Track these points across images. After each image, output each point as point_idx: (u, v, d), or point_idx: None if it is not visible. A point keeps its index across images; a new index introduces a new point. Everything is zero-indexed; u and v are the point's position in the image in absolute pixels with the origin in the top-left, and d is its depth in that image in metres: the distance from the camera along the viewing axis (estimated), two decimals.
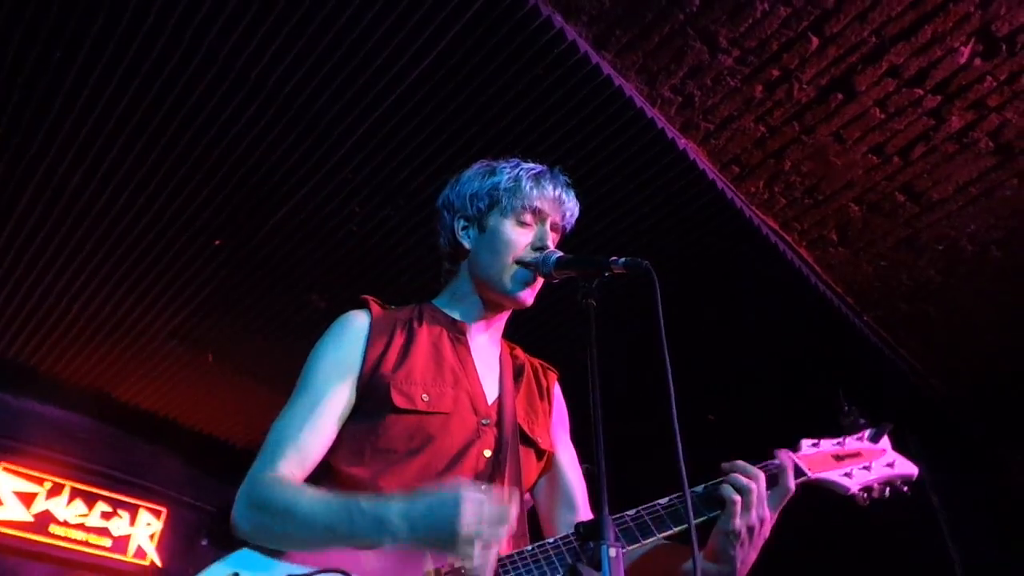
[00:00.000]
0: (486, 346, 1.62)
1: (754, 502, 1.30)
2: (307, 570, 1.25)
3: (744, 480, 1.32)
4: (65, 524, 4.65)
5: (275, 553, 1.29)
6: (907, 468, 1.46)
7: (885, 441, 1.51)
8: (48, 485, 4.67)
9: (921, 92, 2.98)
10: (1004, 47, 2.82)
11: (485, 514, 1.15)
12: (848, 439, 1.48)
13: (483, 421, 1.46)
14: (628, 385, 3.48)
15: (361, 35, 2.68)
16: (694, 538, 1.12)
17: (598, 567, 1.07)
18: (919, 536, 4.01)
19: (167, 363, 4.52)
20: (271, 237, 3.58)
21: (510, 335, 1.75)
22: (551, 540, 1.31)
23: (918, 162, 3.27)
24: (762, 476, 1.34)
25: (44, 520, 4.57)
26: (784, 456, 1.41)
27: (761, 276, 3.68)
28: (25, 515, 4.52)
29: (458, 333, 1.59)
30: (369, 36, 2.69)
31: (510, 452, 1.45)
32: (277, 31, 2.67)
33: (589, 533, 1.24)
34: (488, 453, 1.42)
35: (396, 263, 3.70)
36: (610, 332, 3.58)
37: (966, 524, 4.06)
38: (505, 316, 1.68)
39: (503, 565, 1.27)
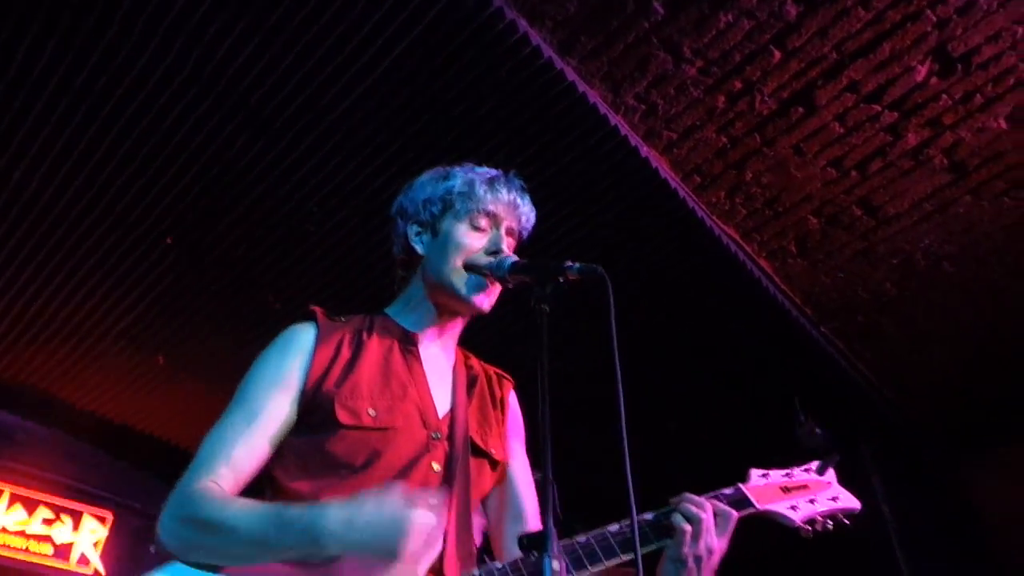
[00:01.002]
0: (439, 356, 1.58)
1: (703, 531, 1.31)
2: None
3: (694, 510, 1.32)
4: (3, 531, 4.47)
5: (206, 568, 1.22)
6: (850, 503, 1.50)
7: (831, 474, 1.55)
8: None
9: (879, 108, 3.03)
10: (960, 67, 2.88)
11: (431, 533, 1.12)
12: (796, 471, 1.51)
13: (433, 435, 1.42)
14: (585, 393, 3.46)
15: (319, 33, 2.63)
16: (640, 566, 1.10)
17: None
18: (869, 547, 4.06)
19: (116, 364, 4.38)
20: (225, 236, 3.49)
21: (468, 342, 1.71)
22: (498, 566, 1.27)
23: (875, 176, 3.32)
24: (709, 506, 1.35)
25: None
26: (732, 490, 1.45)
27: (721, 286, 3.70)
28: None
29: (409, 344, 1.54)
30: (328, 34, 2.63)
31: (460, 465, 1.42)
32: (232, 27, 2.60)
33: (533, 544, 1.21)
34: (437, 467, 1.39)
35: (353, 265, 3.63)
36: (568, 340, 3.56)
37: (916, 535, 4.13)
38: (459, 324, 1.63)
39: None
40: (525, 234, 1.67)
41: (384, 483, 1.28)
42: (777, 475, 1.49)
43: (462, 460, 1.43)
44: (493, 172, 1.63)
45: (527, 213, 1.63)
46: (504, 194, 1.58)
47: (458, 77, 2.79)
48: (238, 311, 3.95)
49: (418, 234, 1.60)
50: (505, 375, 1.72)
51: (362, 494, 1.16)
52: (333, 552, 1.13)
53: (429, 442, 1.41)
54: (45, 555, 4.56)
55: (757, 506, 1.42)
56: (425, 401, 1.47)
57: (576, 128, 2.98)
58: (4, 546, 4.42)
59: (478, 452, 1.49)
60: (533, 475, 2.50)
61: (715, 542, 1.32)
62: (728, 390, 4.38)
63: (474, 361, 1.68)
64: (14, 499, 4.57)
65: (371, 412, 1.38)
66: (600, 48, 2.83)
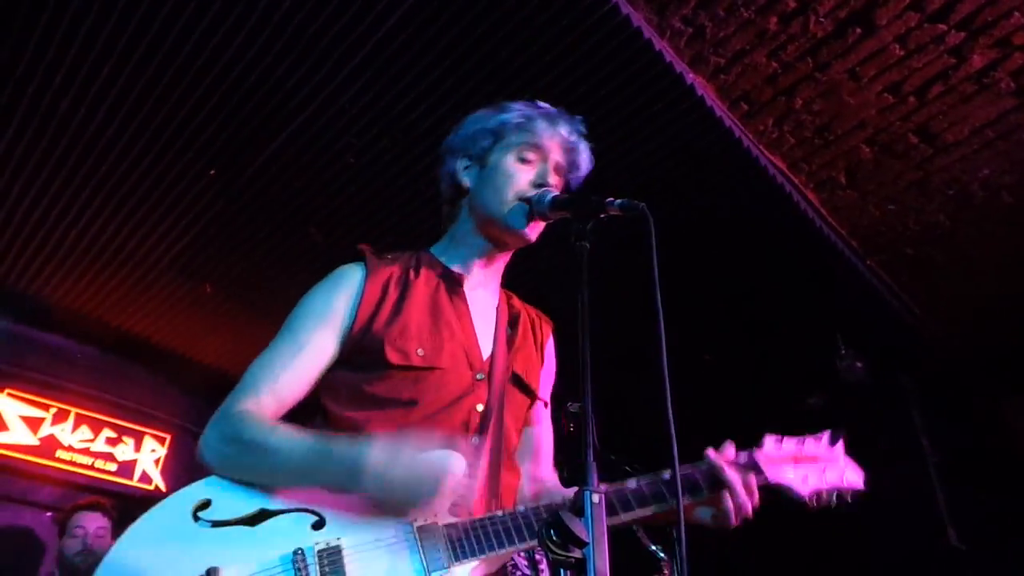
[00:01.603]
0: (484, 296, 1.60)
1: (750, 490, 1.40)
2: (282, 505, 1.26)
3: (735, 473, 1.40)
4: (71, 449, 4.75)
5: (247, 484, 1.29)
6: (856, 479, 1.52)
7: (840, 448, 1.55)
8: (53, 411, 4.75)
9: (944, 28, 2.84)
10: None
11: (460, 489, 1.22)
12: (808, 440, 1.52)
13: (478, 375, 1.46)
14: (625, 328, 3.47)
15: None
16: (681, 510, 1.14)
17: (580, 512, 1.06)
18: (908, 479, 4.07)
19: (166, 293, 4.52)
20: (267, 167, 3.51)
21: (509, 280, 1.72)
22: (521, 509, 1.32)
23: (935, 102, 3.15)
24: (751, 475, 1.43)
25: (50, 445, 4.66)
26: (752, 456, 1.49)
27: (765, 217, 3.61)
28: (32, 439, 4.61)
29: (455, 284, 1.56)
30: None
31: (500, 406, 1.46)
32: None
33: (573, 478, 1.25)
34: (480, 407, 1.43)
35: (394, 196, 3.63)
36: (609, 274, 3.55)
37: (956, 468, 4.12)
38: (504, 259, 1.64)
39: (476, 528, 1.28)
40: (578, 177, 1.65)
41: (431, 421, 1.36)
42: (790, 444, 1.50)
43: (502, 401, 1.47)
44: (551, 109, 1.60)
45: (581, 154, 1.61)
46: (557, 129, 1.56)
47: (498, 2, 2.69)
48: (281, 242, 4.01)
49: (467, 168, 1.59)
50: (545, 317, 1.74)
51: (404, 438, 1.22)
52: (369, 489, 1.21)
53: (474, 383, 1.45)
54: (110, 472, 4.86)
55: (768, 476, 1.46)
56: (471, 342, 1.50)
57: (620, 53, 2.87)
58: (72, 463, 4.71)
59: (521, 386, 1.53)
60: (571, 408, 2.55)
61: (754, 500, 1.41)
62: (769, 322, 4.34)
63: (516, 301, 1.69)
64: (80, 420, 4.84)
65: (420, 352, 1.41)
66: None
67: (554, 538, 1.02)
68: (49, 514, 4.52)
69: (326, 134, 3.31)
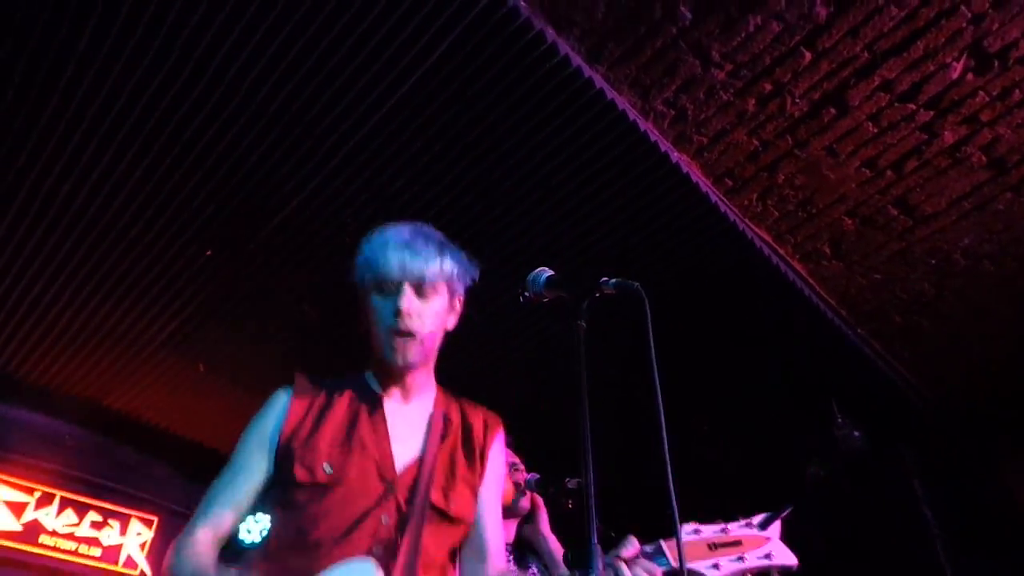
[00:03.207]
0: (410, 410, 1.66)
1: None
2: None
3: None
4: (54, 534, 4.62)
5: None
6: (786, 559, 1.45)
7: (774, 528, 1.49)
8: (38, 495, 4.64)
9: (914, 107, 2.98)
10: (996, 63, 2.83)
11: None
12: (733, 525, 1.47)
13: (388, 489, 1.52)
14: (618, 400, 3.47)
15: (352, 47, 2.68)
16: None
17: None
18: (912, 549, 4.00)
19: (158, 372, 4.50)
20: (263, 248, 3.57)
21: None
22: None
23: (911, 176, 3.27)
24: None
25: (34, 530, 4.54)
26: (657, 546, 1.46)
27: (754, 289, 3.68)
28: (15, 524, 4.49)
29: (375, 402, 1.64)
30: (361, 48, 2.69)
31: (415, 519, 1.50)
32: (269, 42, 2.67)
33: (577, 561, 1.24)
34: (387, 520, 1.48)
35: None
36: (603, 348, 3.58)
37: (959, 536, 4.06)
38: (418, 377, 1.68)
39: None
40: (458, 281, 1.68)
41: (337, 537, 1.45)
42: (710, 530, 1.45)
43: (417, 514, 1.51)
44: (398, 237, 1.65)
45: (424, 268, 1.61)
46: (392, 260, 1.60)
47: (487, 88, 2.82)
48: (275, 320, 4.03)
49: (361, 303, 1.68)
50: (493, 418, 1.76)
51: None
52: None
53: (383, 495, 1.51)
54: (94, 557, 4.71)
55: (673, 564, 1.41)
56: (384, 455, 1.56)
57: (606, 135, 2.99)
58: (55, 548, 4.57)
59: (435, 509, 1.55)
60: (570, 485, 2.52)
61: None
62: (765, 393, 4.34)
63: (456, 411, 1.72)
64: (64, 504, 4.72)
65: (326, 468, 1.51)
66: (628, 54, 2.84)
67: None
68: None
69: (323, 214, 3.39)
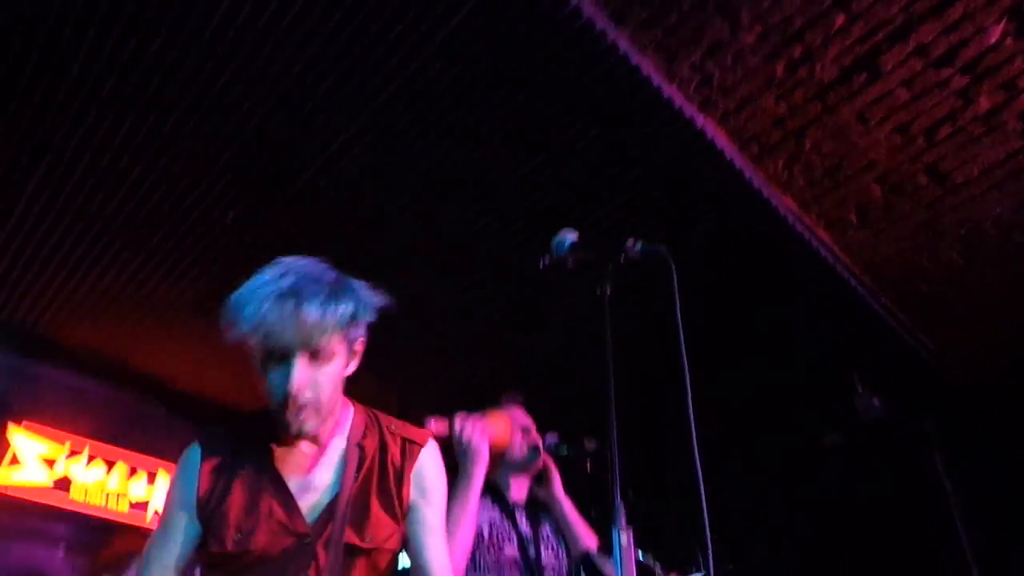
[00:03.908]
0: (317, 455, 1.56)
1: None
2: None
3: None
4: (84, 487, 4.75)
5: None
6: None
7: None
8: (68, 449, 4.77)
9: (949, 72, 2.90)
10: None
11: None
12: None
13: (304, 541, 1.47)
14: (638, 365, 3.47)
15: (373, 11, 2.65)
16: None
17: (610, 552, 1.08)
18: (930, 522, 4.01)
19: (182, 334, 4.57)
20: (285, 212, 3.59)
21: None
22: None
23: (943, 143, 3.20)
24: None
25: (64, 482, 4.67)
26: None
27: (778, 257, 3.64)
28: (46, 477, 4.62)
29: (275, 459, 1.54)
30: (381, 12, 2.65)
31: (333, 565, 1.47)
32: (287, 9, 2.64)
33: (599, 518, 1.26)
34: (312, 573, 1.46)
35: (411, 244, 3.69)
36: (626, 319, 3.58)
37: (979, 510, 4.05)
38: (331, 417, 1.56)
39: None
40: (358, 327, 1.49)
41: None
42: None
43: (333, 558, 1.47)
44: (278, 293, 1.40)
45: (323, 325, 1.39)
46: (280, 324, 1.39)
47: (510, 54, 2.78)
48: None
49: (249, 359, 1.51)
50: (414, 439, 1.65)
51: None
52: None
53: (298, 551, 1.46)
54: (122, 511, 4.85)
55: None
56: (292, 512, 1.49)
57: (630, 100, 2.94)
58: (86, 502, 4.71)
59: (352, 548, 1.50)
60: (589, 446, 2.55)
61: None
62: (786, 363, 4.33)
63: (372, 438, 1.62)
64: (94, 458, 4.85)
65: (236, 537, 1.46)
66: (654, 17, 2.78)
67: None
68: (62, 550, 4.51)
69: (346, 176, 3.39)
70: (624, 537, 1.06)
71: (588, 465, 2.52)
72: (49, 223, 3.70)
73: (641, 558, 2.34)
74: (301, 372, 1.39)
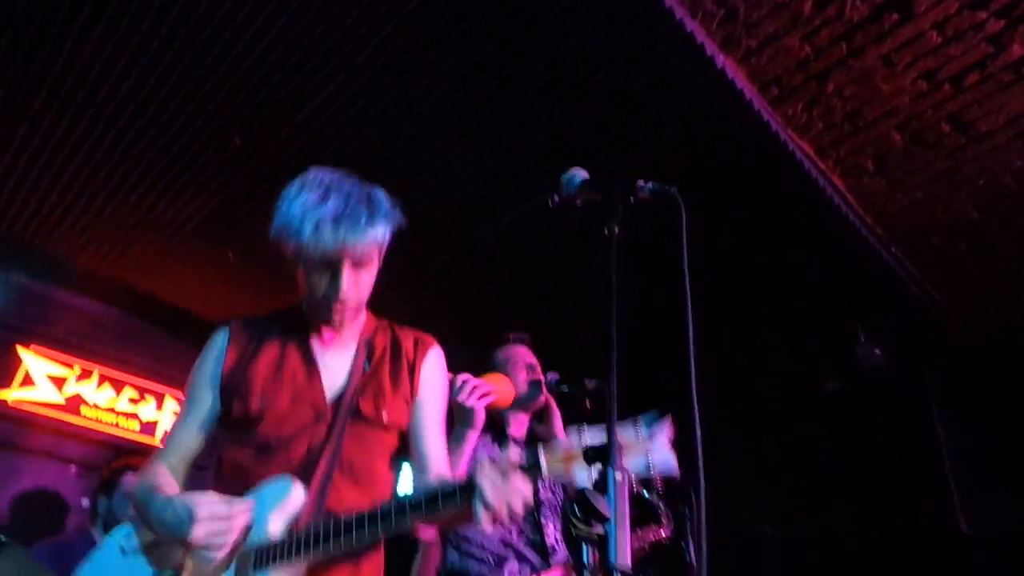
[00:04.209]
0: (340, 339, 1.77)
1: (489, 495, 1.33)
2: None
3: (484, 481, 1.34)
4: (95, 407, 4.86)
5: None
6: (667, 466, 1.30)
7: (658, 432, 1.34)
8: (77, 370, 4.85)
9: (984, 15, 2.78)
10: None
11: (215, 525, 1.43)
12: (622, 429, 1.32)
13: (318, 414, 1.66)
14: (643, 305, 3.48)
15: None
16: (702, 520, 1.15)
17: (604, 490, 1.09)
18: (921, 468, 4.08)
19: (189, 259, 4.58)
20: (291, 139, 3.53)
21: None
22: (326, 521, 1.48)
23: (970, 91, 3.10)
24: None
25: (75, 402, 4.77)
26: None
27: (790, 203, 3.59)
28: (57, 396, 4.72)
29: (304, 336, 1.76)
30: None
31: (339, 431, 1.64)
32: None
33: (597, 456, 1.27)
34: (319, 437, 1.63)
35: (418, 170, 3.64)
36: (634, 253, 3.55)
37: (969, 461, 4.12)
38: (354, 309, 1.74)
39: (280, 543, 1.48)
40: (384, 243, 1.67)
41: (272, 461, 1.60)
42: (591, 434, 1.34)
43: (340, 427, 1.64)
44: (328, 208, 1.57)
45: (367, 239, 1.59)
46: (331, 235, 1.55)
47: None
48: None
49: (293, 255, 1.63)
50: (425, 338, 1.85)
51: (177, 497, 1.52)
52: (158, 533, 1.54)
53: (313, 422, 1.65)
54: (133, 431, 4.97)
55: (545, 472, 1.35)
56: (315, 388, 1.69)
57: (650, 34, 2.84)
58: (97, 420, 4.83)
59: (366, 419, 1.68)
60: (589, 386, 2.57)
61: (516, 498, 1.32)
62: (791, 308, 4.33)
63: (384, 335, 1.82)
64: (103, 379, 4.95)
65: (260, 402, 1.65)
66: None
67: (577, 514, 1.05)
68: (74, 469, 4.65)
69: (352, 107, 3.32)
70: (619, 476, 1.07)
71: (588, 403, 2.56)
72: (53, 147, 3.65)
73: (646, 495, 2.39)
74: (348, 279, 1.61)
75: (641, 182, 1.38)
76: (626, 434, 1.30)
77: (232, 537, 1.46)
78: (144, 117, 3.45)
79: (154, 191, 3.96)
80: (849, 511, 4.21)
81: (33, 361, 4.68)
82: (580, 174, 1.52)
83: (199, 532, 1.42)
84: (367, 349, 1.77)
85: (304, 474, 1.56)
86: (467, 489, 1.34)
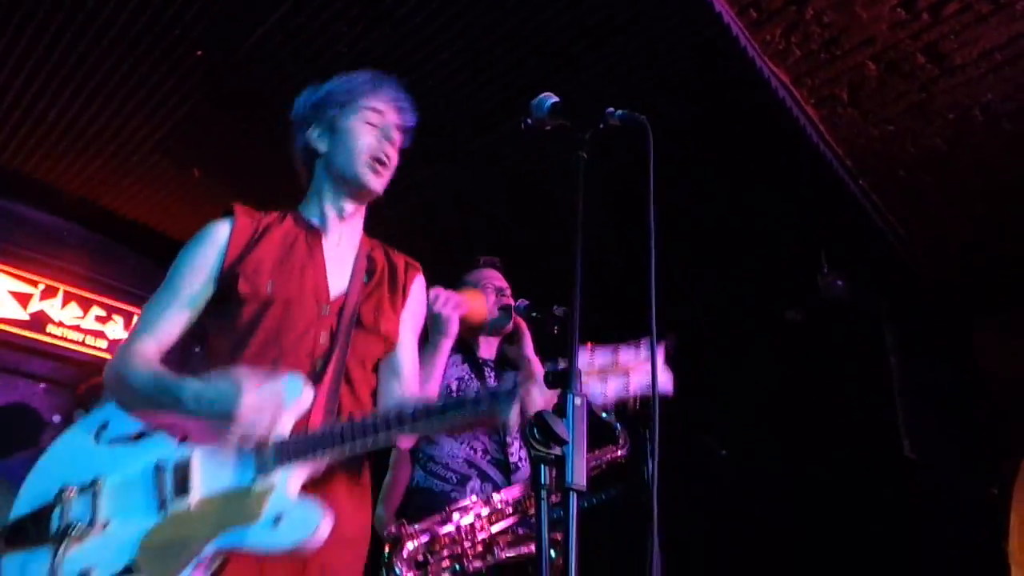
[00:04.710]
0: (341, 245, 1.80)
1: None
2: (155, 427, 1.57)
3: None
4: (61, 324, 4.81)
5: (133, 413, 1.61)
6: (663, 386, 1.42)
7: (657, 354, 1.43)
8: (42, 287, 4.77)
9: None
10: None
11: (261, 406, 1.41)
12: (622, 349, 1.47)
13: (324, 309, 1.68)
14: (612, 232, 3.51)
15: None
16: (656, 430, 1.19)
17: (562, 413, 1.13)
18: (871, 396, 4.26)
19: (152, 175, 4.46)
20: (254, 52, 3.39)
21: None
22: (343, 423, 1.51)
23: (948, 21, 3.07)
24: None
25: (41, 320, 4.72)
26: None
27: (762, 129, 3.59)
28: (22, 314, 4.66)
29: (312, 231, 1.78)
30: None
31: (343, 337, 1.66)
32: None
33: (557, 381, 1.31)
34: (324, 338, 1.65)
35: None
36: (601, 175, 3.54)
37: (919, 389, 4.31)
38: (360, 213, 1.85)
39: (300, 440, 1.48)
40: (408, 128, 1.84)
41: (278, 349, 1.59)
42: (602, 355, 1.46)
43: (345, 333, 1.67)
44: (383, 75, 1.83)
45: (410, 112, 1.83)
46: (390, 92, 1.81)
47: None
48: (269, 127, 3.93)
49: (319, 135, 1.80)
50: (413, 263, 1.94)
51: (219, 375, 1.47)
52: (193, 413, 1.46)
53: (319, 316, 1.66)
54: (100, 348, 4.95)
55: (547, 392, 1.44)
56: (319, 281, 1.71)
57: None
58: (63, 338, 4.79)
59: (365, 327, 1.72)
60: (556, 312, 2.62)
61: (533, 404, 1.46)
62: (756, 236, 4.39)
63: (379, 252, 1.88)
64: (68, 297, 4.88)
65: (269, 285, 1.65)
66: None
67: (536, 436, 1.09)
68: (43, 385, 4.65)
69: (317, 19, 3.18)
70: (578, 401, 1.11)
71: (555, 328, 2.61)
72: (17, 58, 3.47)
73: (604, 416, 2.48)
74: (396, 134, 1.78)
75: (611, 109, 1.37)
76: (628, 355, 1.43)
77: (275, 416, 1.45)
78: (96, 21, 3.28)
79: (113, 103, 3.81)
80: (800, 435, 4.42)
81: None
82: (550, 98, 1.50)
83: (248, 402, 1.40)
84: (367, 262, 1.82)
85: (311, 371, 1.59)
86: (510, 394, 1.43)
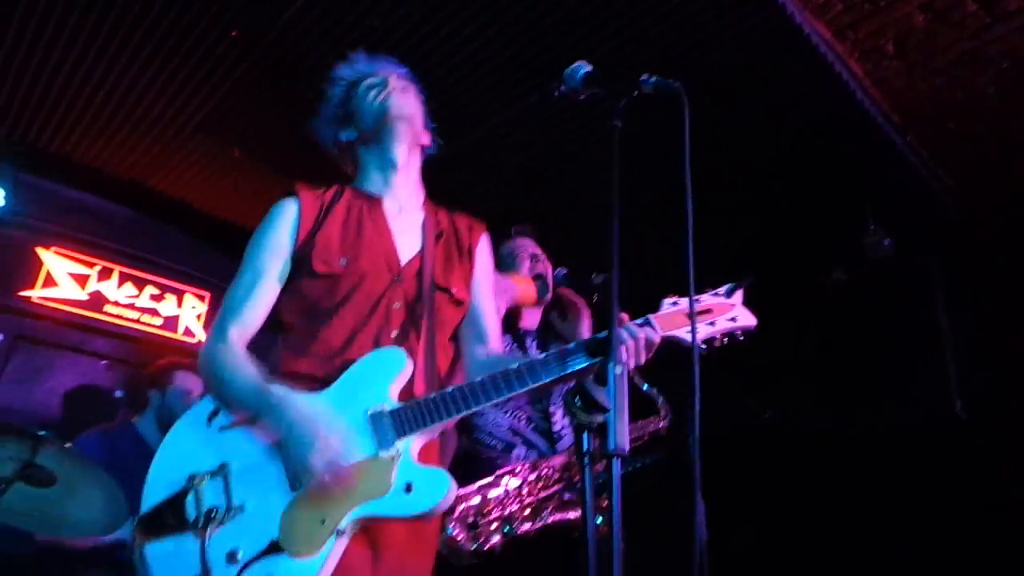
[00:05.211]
0: (404, 213, 1.87)
1: (638, 348, 1.55)
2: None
3: (630, 330, 1.55)
4: (117, 304, 5.00)
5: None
6: (747, 321, 1.64)
7: (738, 296, 1.67)
8: (98, 268, 4.96)
9: None
10: None
11: (329, 462, 1.46)
12: (706, 295, 1.65)
13: (396, 277, 1.73)
14: (649, 199, 3.47)
15: None
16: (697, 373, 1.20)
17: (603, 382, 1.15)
18: (923, 356, 4.16)
19: (195, 156, 4.56)
20: (288, 30, 3.42)
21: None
22: (451, 389, 1.59)
23: None
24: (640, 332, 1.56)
25: (98, 300, 4.92)
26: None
27: (804, 87, 3.49)
28: (81, 294, 4.86)
29: (372, 200, 1.85)
30: None
31: (423, 303, 1.72)
32: None
33: (597, 349, 1.33)
34: (398, 305, 1.70)
35: (420, 62, 3.54)
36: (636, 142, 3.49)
37: (971, 350, 4.19)
38: (413, 167, 1.92)
39: (415, 407, 1.55)
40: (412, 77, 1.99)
41: (356, 321, 1.65)
42: (685, 302, 1.60)
43: (426, 298, 1.72)
44: (371, 54, 2.00)
45: (405, 68, 1.99)
46: (389, 68, 1.96)
47: None
48: (304, 106, 3.97)
49: (347, 132, 1.93)
50: (477, 223, 1.99)
51: (303, 406, 1.52)
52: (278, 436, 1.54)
53: (392, 284, 1.72)
54: (156, 326, 5.14)
55: (659, 332, 1.58)
56: (389, 249, 1.77)
57: None
58: (120, 317, 4.99)
59: (441, 289, 1.77)
60: (595, 280, 2.62)
61: (643, 352, 1.56)
62: (801, 194, 4.29)
63: (443, 216, 1.94)
64: (123, 277, 5.06)
65: (342, 261, 1.71)
66: None
67: (578, 404, 1.11)
68: (104, 362, 4.85)
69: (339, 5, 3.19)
70: (618, 370, 1.13)
71: (594, 297, 2.61)
72: (51, 36, 3.57)
73: (645, 388, 2.49)
74: (395, 79, 1.93)
75: (645, 76, 1.36)
76: (713, 299, 1.60)
77: (346, 473, 1.49)
78: (133, 11, 3.34)
79: (153, 86, 3.90)
80: (847, 397, 4.35)
81: (54, 261, 4.78)
82: (583, 67, 1.50)
83: (318, 463, 1.46)
84: (434, 225, 1.88)
85: (400, 338, 1.66)
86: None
